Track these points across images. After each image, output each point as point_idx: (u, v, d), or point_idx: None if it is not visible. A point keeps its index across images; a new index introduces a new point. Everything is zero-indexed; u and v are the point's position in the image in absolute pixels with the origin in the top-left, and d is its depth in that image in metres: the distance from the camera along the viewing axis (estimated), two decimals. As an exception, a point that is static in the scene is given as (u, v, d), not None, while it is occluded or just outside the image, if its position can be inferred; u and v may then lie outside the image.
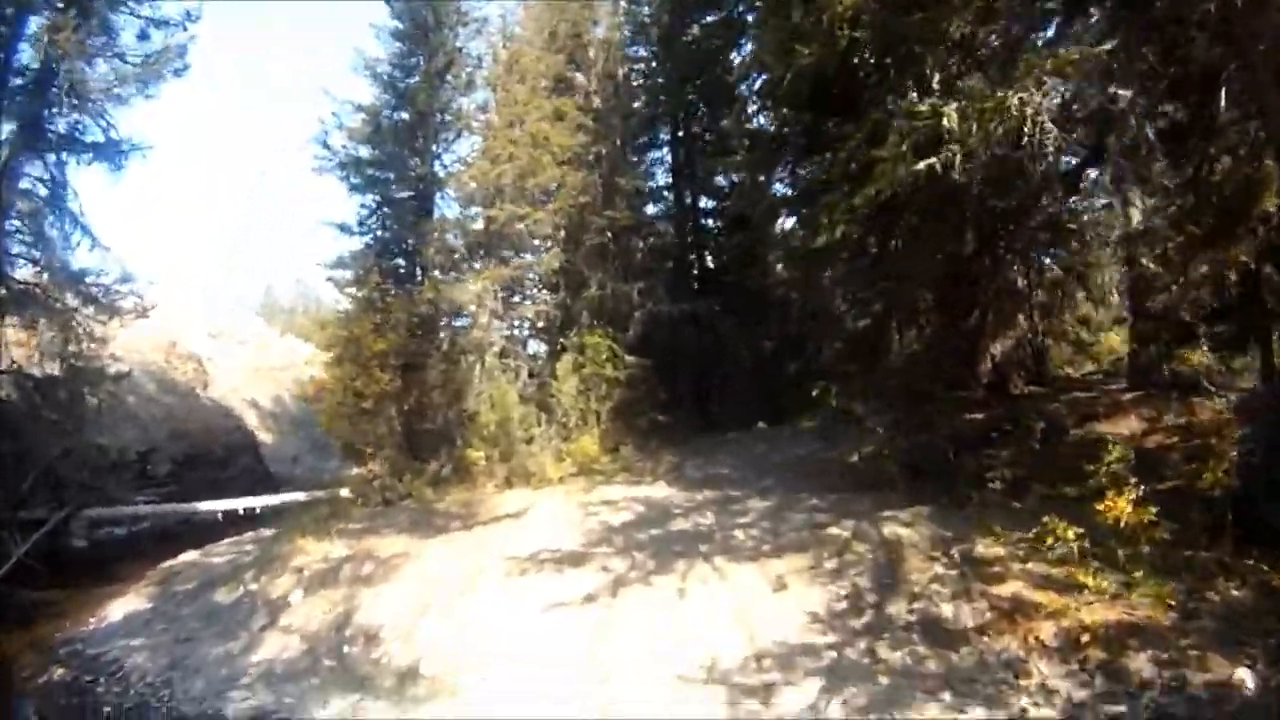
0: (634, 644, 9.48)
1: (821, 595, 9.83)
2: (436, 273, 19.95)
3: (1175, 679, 7.08)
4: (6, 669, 13.02)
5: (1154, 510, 8.39)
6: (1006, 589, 8.88)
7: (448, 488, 17.57)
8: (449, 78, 20.45)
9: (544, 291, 21.86)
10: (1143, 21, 9.14)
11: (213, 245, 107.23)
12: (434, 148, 20.63)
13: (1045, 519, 8.91)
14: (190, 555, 18.58)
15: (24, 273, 20.72)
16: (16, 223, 20.22)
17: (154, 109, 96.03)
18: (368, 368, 18.35)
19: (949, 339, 14.64)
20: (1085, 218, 15.06)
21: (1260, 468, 8.83)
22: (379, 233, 20.76)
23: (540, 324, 21.79)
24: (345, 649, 11.02)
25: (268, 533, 18.78)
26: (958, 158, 8.66)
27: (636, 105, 23.54)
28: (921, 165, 8.94)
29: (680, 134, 23.90)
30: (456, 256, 20.41)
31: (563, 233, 21.15)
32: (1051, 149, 8.36)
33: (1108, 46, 8.51)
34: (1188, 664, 7.17)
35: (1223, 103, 9.53)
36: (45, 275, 20.50)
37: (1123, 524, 8.49)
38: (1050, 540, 8.82)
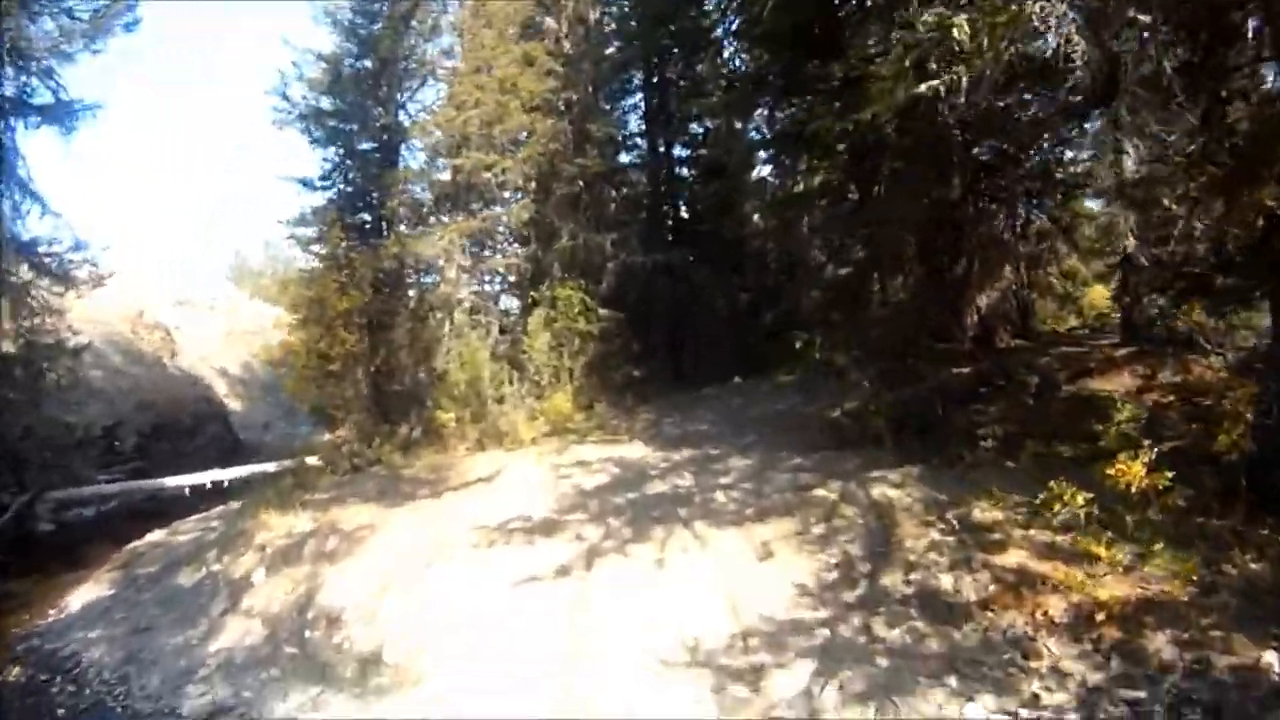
0: (611, 623, 8.68)
1: (810, 564, 9.05)
2: (402, 227, 18.99)
3: (1198, 661, 6.41)
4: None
5: (1169, 475, 7.65)
6: (1009, 558, 8.13)
7: (418, 451, 16.67)
8: (413, 23, 19.30)
9: (514, 244, 20.94)
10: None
11: (189, 217, 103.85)
12: (398, 96, 19.57)
13: (1051, 483, 8.19)
14: (156, 535, 17.72)
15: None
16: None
17: (138, 79, 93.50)
18: (332, 328, 17.30)
19: (934, 289, 13.83)
20: (1074, 169, 14.39)
21: (1276, 430, 8.07)
22: (342, 187, 19.68)
23: (511, 278, 20.87)
24: (307, 633, 10.16)
25: (236, 506, 17.70)
26: (964, 79, 7.61)
27: (609, 51, 22.29)
28: (923, 88, 7.85)
29: (654, 79, 22.66)
30: (423, 210, 19.40)
31: (533, 183, 20.16)
32: (1080, 63, 7.25)
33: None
34: (1210, 645, 6.49)
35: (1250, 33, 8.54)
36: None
37: (1133, 489, 7.77)
38: (1057, 506, 8.06)
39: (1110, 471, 7.85)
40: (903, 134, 13.16)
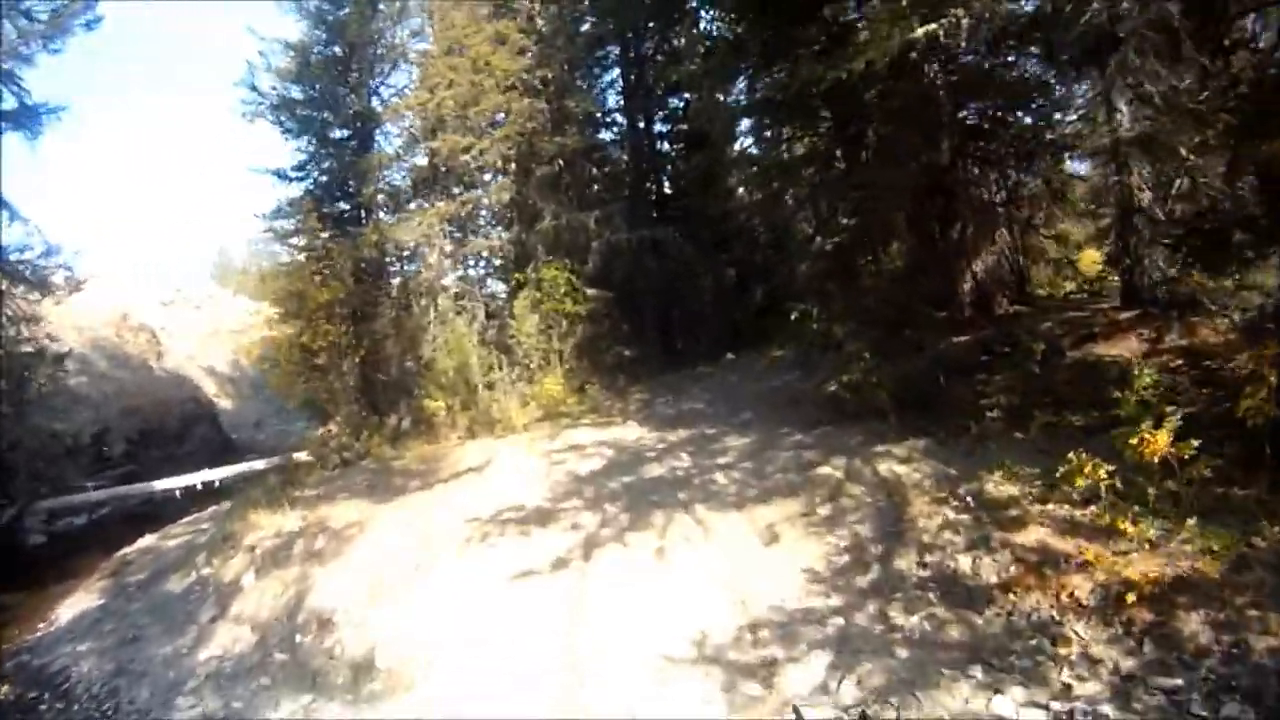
0: (611, 618, 8.19)
1: (818, 548, 8.56)
2: (381, 214, 18.40)
3: (1235, 644, 5.93)
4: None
5: (1195, 444, 7.13)
6: (1029, 536, 7.64)
7: (408, 442, 16.14)
8: (381, 6, 18.60)
9: (497, 227, 20.31)
10: None
11: (169, 216, 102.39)
12: (370, 82, 18.90)
13: (1071, 454, 7.65)
14: (146, 540, 17.25)
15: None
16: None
17: (111, 79, 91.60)
18: (314, 321, 16.81)
19: (928, 256, 13.33)
20: (1065, 130, 13.87)
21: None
22: (318, 177, 18.98)
23: (496, 261, 20.25)
24: (297, 639, 9.67)
25: (227, 506, 17.17)
26: (964, 21, 7.01)
27: (584, 27, 21.49)
28: (920, 32, 7.25)
29: (631, 54, 21.87)
30: (402, 196, 18.77)
31: (512, 164, 19.49)
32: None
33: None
34: (1247, 626, 6.02)
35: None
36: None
37: (1156, 459, 7.26)
38: (1079, 480, 7.54)
39: (1133, 441, 7.31)
40: (889, 96, 12.70)
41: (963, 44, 7.82)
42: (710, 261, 20.98)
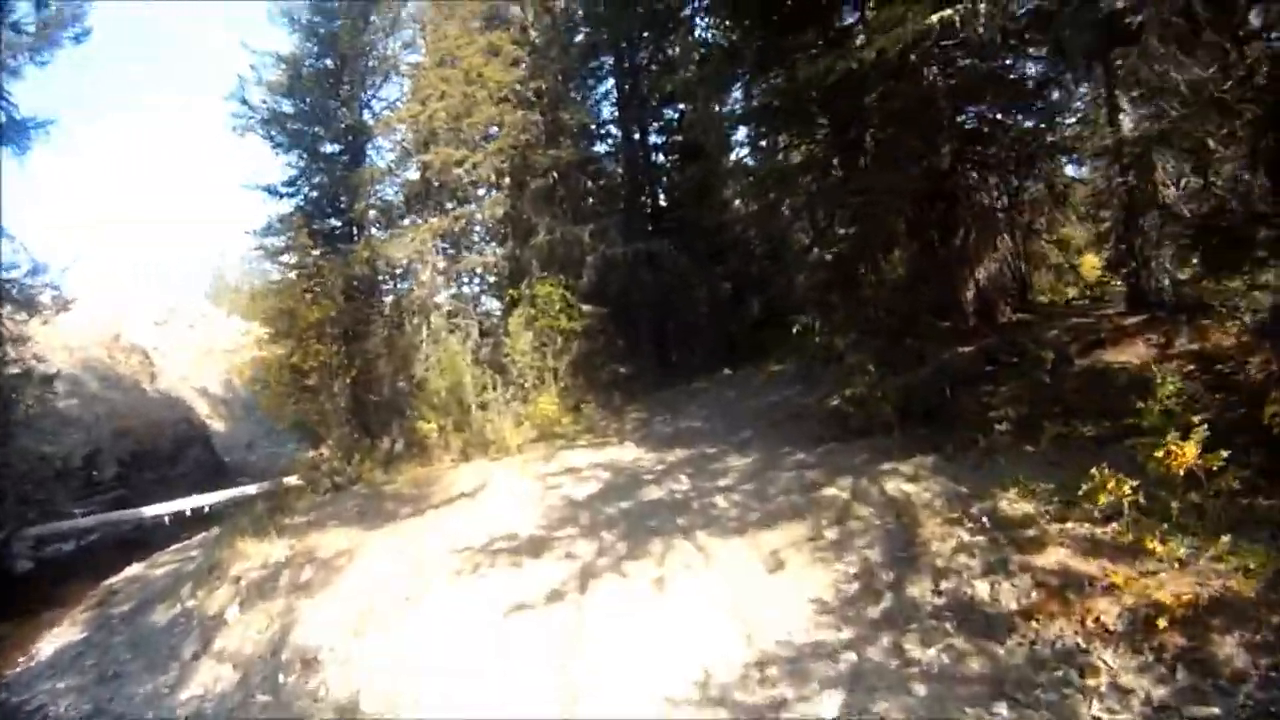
0: (609, 654, 7.70)
1: (826, 575, 8.08)
2: (373, 230, 17.99)
3: (1274, 667, 5.48)
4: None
5: (1224, 454, 6.70)
6: (1049, 558, 7.16)
7: (400, 466, 15.72)
8: (373, 18, 18.26)
9: (490, 243, 19.94)
10: None
11: (162, 235, 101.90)
12: (362, 95, 18.52)
13: (1093, 470, 7.20)
14: (134, 569, 16.69)
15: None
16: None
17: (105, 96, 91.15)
18: (304, 340, 16.39)
19: (930, 264, 12.91)
20: (1065, 132, 13.50)
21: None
22: (309, 192, 18.59)
23: (489, 278, 19.87)
24: (281, 678, 9.14)
25: (217, 533, 16.71)
26: (981, 6, 6.60)
27: (578, 38, 21.25)
28: (935, 19, 6.84)
29: (625, 65, 21.56)
30: (394, 211, 18.43)
31: (505, 177, 19.13)
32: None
33: None
34: (1286, 647, 5.55)
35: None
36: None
37: (1181, 471, 6.82)
38: (1102, 496, 7.10)
39: (1158, 454, 6.88)
40: (889, 98, 12.36)
41: (980, 31, 7.35)
42: (706, 274, 20.65)
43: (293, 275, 17.40)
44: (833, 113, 13.65)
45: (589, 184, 21.87)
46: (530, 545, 10.16)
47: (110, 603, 14.26)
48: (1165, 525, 6.79)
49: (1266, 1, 7.70)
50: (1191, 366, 10.01)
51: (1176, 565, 6.53)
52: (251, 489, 21.08)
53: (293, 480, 16.87)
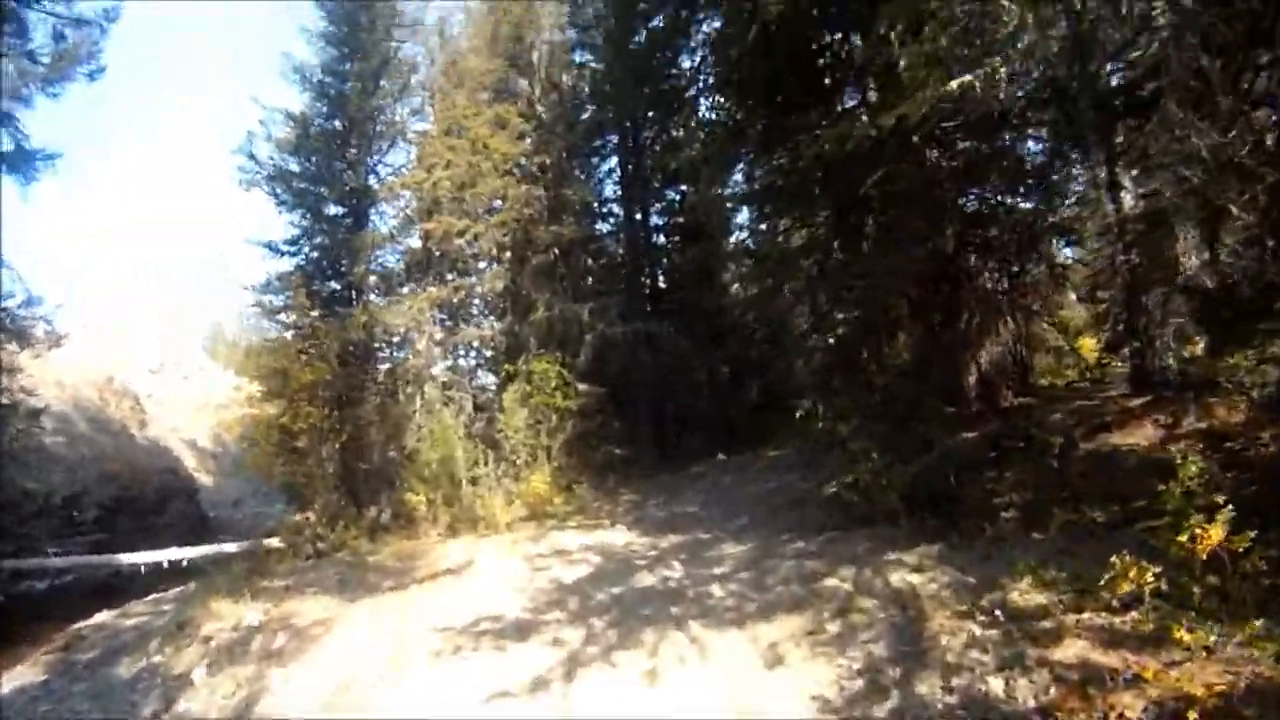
0: (597, 755, 7.10)
1: (829, 671, 7.50)
2: (372, 296, 17.76)
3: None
4: None
5: (1251, 535, 6.24)
6: (1068, 651, 6.61)
7: (386, 536, 15.09)
8: (383, 82, 18.36)
9: (489, 316, 19.75)
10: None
11: (165, 281, 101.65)
12: (368, 159, 18.44)
13: (1114, 558, 6.71)
14: (103, 616, 15.53)
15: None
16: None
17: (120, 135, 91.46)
18: (295, 402, 15.95)
19: (935, 347, 12.66)
20: (1066, 213, 13.40)
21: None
22: (309, 252, 18.42)
23: (486, 352, 19.58)
24: (242, 754, 8.49)
25: (191, 588, 15.99)
26: (1001, 72, 6.40)
27: (584, 116, 21.42)
28: (954, 85, 6.64)
29: (630, 143, 21.72)
30: (393, 278, 18.22)
31: (507, 251, 19.05)
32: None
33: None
34: (1326, 740, 5.00)
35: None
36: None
37: (1205, 555, 6.37)
38: (1124, 584, 6.65)
39: (1181, 538, 6.45)
40: (892, 179, 12.31)
41: (1000, 97, 7.18)
42: (705, 357, 20.40)
43: (288, 335, 17.15)
44: (835, 194, 13.61)
45: (590, 262, 21.86)
46: (516, 628, 9.55)
47: (76, 648, 13.46)
48: (1189, 611, 6.33)
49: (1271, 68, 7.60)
50: (1201, 445, 9.68)
51: (1204, 653, 6.03)
52: (232, 547, 20.35)
53: (275, 542, 16.23)
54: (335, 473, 16.33)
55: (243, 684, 9.72)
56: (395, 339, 18.35)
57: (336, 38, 18.13)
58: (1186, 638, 6.11)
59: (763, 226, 19.34)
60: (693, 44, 19.03)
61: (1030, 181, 12.79)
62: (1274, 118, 7.91)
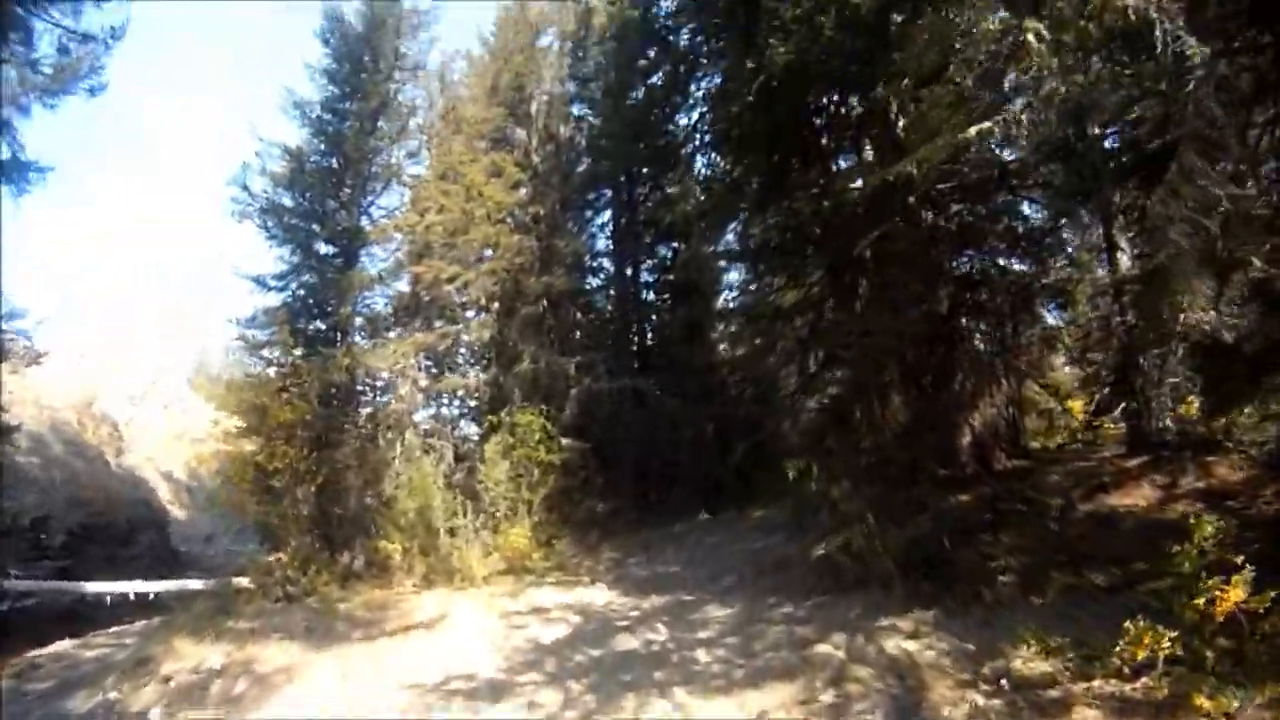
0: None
1: (823, 744, 7.04)
2: (357, 337, 17.30)
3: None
4: None
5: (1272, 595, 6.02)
6: (1078, 721, 6.23)
7: (358, 584, 14.48)
8: (381, 123, 18.08)
9: (474, 365, 19.41)
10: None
11: (152, 309, 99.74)
12: (362, 200, 18.06)
13: (1127, 623, 6.43)
14: (63, 645, 15.11)
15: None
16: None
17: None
18: (272, 440, 15.48)
19: (930, 409, 12.34)
20: (1060, 274, 13.27)
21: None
22: (296, 289, 17.81)
23: (471, 402, 19.12)
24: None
25: (163, 621, 15.28)
26: (1023, 117, 6.15)
27: (579, 169, 21.32)
28: (973, 131, 6.38)
29: (624, 197, 21.56)
30: (380, 321, 17.83)
31: (496, 301, 18.72)
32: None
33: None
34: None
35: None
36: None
37: (1222, 617, 6.15)
38: (1139, 650, 6.26)
39: (1197, 601, 6.19)
40: (889, 239, 12.14)
41: (1024, 143, 6.95)
42: (692, 415, 19.97)
43: (270, 371, 16.71)
44: (830, 252, 13.44)
45: (579, 315, 21.45)
46: (489, 689, 9.01)
47: (30, 677, 12.83)
48: (1204, 675, 5.98)
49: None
50: (1201, 505, 9.41)
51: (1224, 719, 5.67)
52: (200, 583, 19.57)
53: (244, 582, 15.50)
54: (310, 515, 15.75)
55: (198, 729, 9.18)
56: (378, 383, 17.85)
57: (338, 76, 17.97)
58: (1206, 704, 5.84)
59: (753, 286, 19.19)
60: (690, 101, 19.02)
61: (1025, 244, 12.62)
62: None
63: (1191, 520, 6.77)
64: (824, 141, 13.66)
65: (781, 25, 10.83)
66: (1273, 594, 6.01)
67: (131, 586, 20.47)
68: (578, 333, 20.96)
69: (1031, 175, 12.07)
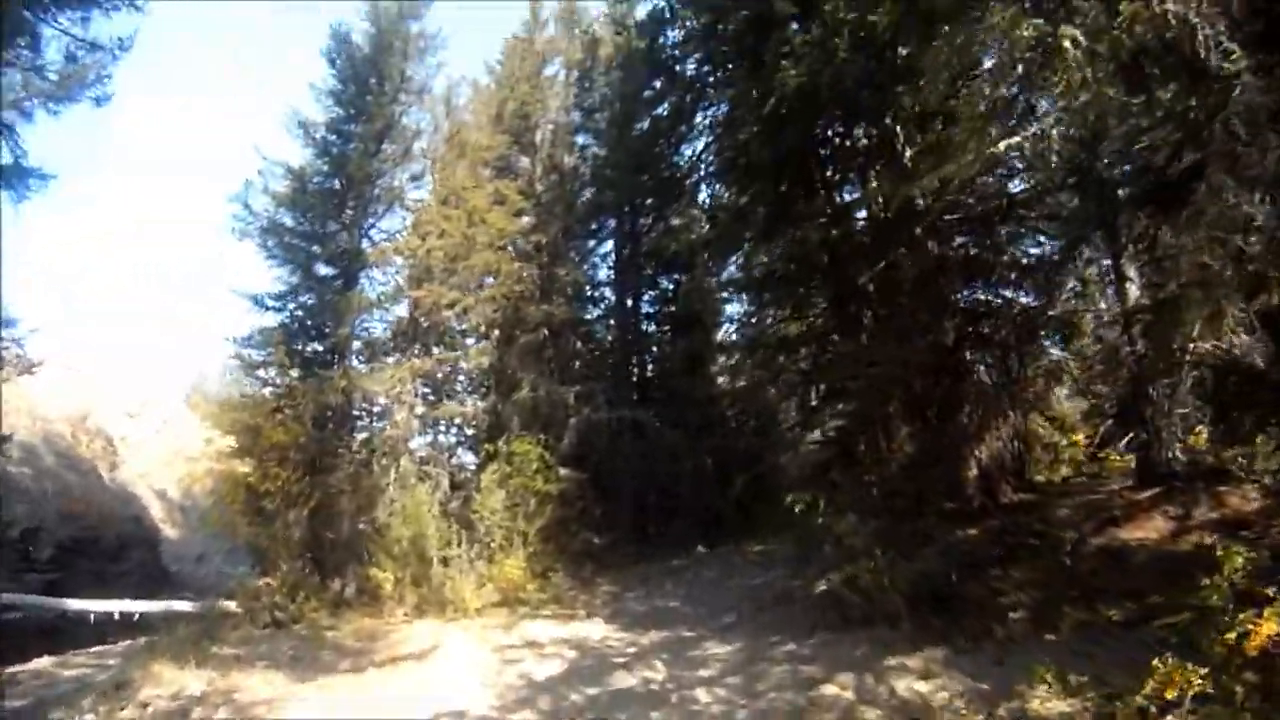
0: None
1: (833, 791, 6.63)
2: (354, 361, 17.00)
3: None
4: None
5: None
6: (1101, 765, 5.84)
7: (348, 613, 14.09)
8: (385, 146, 17.86)
9: (472, 393, 19.17)
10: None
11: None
12: (363, 222, 17.82)
13: (1155, 662, 6.00)
14: (42, 662, 14.76)
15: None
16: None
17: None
18: (265, 462, 15.22)
19: (937, 441, 12.06)
20: (1068, 307, 13.07)
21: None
22: (294, 310, 17.57)
23: (469, 430, 18.82)
24: None
25: (145, 643, 14.60)
26: (1054, 132, 5.89)
27: (583, 199, 21.26)
28: (1002, 146, 6.12)
29: (627, 228, 21.50)
30: (377, 346, 17.56)
31: (496, 329, 18.52)
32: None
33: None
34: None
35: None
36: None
37: (1255, 651, 5.74)
38: (1170, 690, 5.90)
39: (1228, 635, 5.81)
40: (895, 268, 12.02)
41: (1054, 160, 6.71)
42: (691, 447, 19.67)
43: (265, 391, 16.46)
44: (836, 282, 13.30)
45: (579, 345, 21.34)
46: (479, 729, 8.60)
47: (7, 693, 12.33)
48: (1235, 710, 5.64)
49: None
50: (1215, 536, 9.07)
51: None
52: (188, 605, 19.05)
53: (232, 606, 15.10)
54: (301, 539, 15.34)
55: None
56: (375, 408, 17.55)
57: (343, 97, 17.83)
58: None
59: (755, 318, 19.05)
60: (696, 131, 18.91)
61: (1032, 275, 12.43)
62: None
63: (1220, 552, 6.45)
64: (830, 171, 13.58)
65: (793, 50, 10.73)
66: None
67: (118, 605, 20.04)
68: (577, 362, 20.83)
69: (1038, 206, 11.96)
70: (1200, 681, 5.77)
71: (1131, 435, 11.84)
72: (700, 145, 18.76)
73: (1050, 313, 12.42)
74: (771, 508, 13.60)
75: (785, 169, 12.74)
